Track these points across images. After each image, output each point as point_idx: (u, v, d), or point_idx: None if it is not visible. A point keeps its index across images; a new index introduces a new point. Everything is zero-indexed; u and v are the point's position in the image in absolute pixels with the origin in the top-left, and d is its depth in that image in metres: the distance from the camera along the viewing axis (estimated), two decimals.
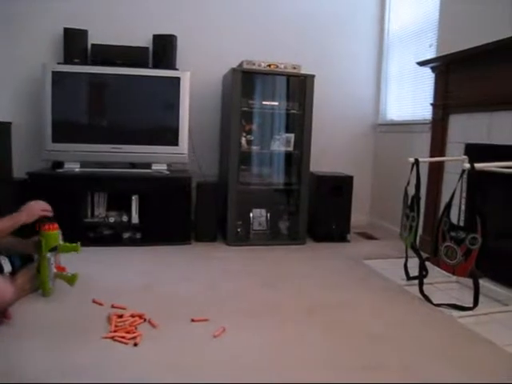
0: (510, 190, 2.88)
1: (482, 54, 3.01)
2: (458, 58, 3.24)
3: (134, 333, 2.02)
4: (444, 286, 2.91)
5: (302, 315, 2.36)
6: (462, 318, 2.37)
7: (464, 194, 2.89)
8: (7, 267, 2.40)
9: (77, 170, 3.65)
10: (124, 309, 2.28)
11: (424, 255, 2.81)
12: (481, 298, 2.44)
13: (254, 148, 3.94)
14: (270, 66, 3.71)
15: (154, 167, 3.78)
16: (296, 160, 3.93)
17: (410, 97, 4.28)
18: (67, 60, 3.72)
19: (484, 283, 2.65)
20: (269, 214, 4.03)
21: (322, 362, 1.88)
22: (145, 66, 3.85)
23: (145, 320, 2.17)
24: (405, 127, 4.25)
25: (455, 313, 2.42)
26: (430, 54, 3.77)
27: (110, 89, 3.75)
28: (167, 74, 3.75)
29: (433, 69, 3.62)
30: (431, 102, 3.66)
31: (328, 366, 1.85)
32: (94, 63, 3.74)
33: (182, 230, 3.70)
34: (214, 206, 3.81)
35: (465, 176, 2.58)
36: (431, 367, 1.86)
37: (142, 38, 3.96)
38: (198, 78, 3.99)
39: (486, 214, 2.35)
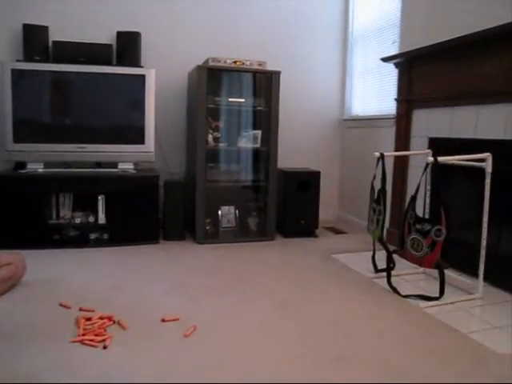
0: (471, 181, 2.96)
1: (444, 51, 3.09)
2: (421, 54, 3.31)
3: (103, 335, 1.99)
4: (411, 277, 2.98)
5: (274, 311, 2.37)
6: (428, 308, 2.43)
7: (428, 187, 2.96)
8: None
9: (40, 170, 3.56)
10: (92, 311, 2.24)
11: (391, 248, 2.87)
12: (446, 288, 2.50)
13: (221, 145, 3.91)
14: (235, 62, 3.70)
15: (121, 166, 3.72)
16: (263, 156, 3.94)
17: (374, 92, 4.34)
18: (27, 57, 3.62)
19: (449, 273, 2.72)
20: (237, 211, 4.03)
21: (295, 356, 1.89)
22: (109, 63, 3.78)
23: (114, 322, 2.14)
24: (370, 122, 4.31)
25: (422, 303, 2.48)
26: (394, 51, 3.84)
27: (73, 87, 3.66)
28: (132, 72, 3.69)
29: (396, 65, 3.68)
30: (395, 97, 3.73)
31: (302, 360, 1.86)
32: (56, 61, 3.64)
33: (150, 229, 3.66)
34: (182, 204, 3.78)
35: (429, 169, 2.64)
36: (401, 356, 1.90)
37: (105, 35, 3.89)
38: (163, 75, 3.96)
39: (450, 206, 2.42)
